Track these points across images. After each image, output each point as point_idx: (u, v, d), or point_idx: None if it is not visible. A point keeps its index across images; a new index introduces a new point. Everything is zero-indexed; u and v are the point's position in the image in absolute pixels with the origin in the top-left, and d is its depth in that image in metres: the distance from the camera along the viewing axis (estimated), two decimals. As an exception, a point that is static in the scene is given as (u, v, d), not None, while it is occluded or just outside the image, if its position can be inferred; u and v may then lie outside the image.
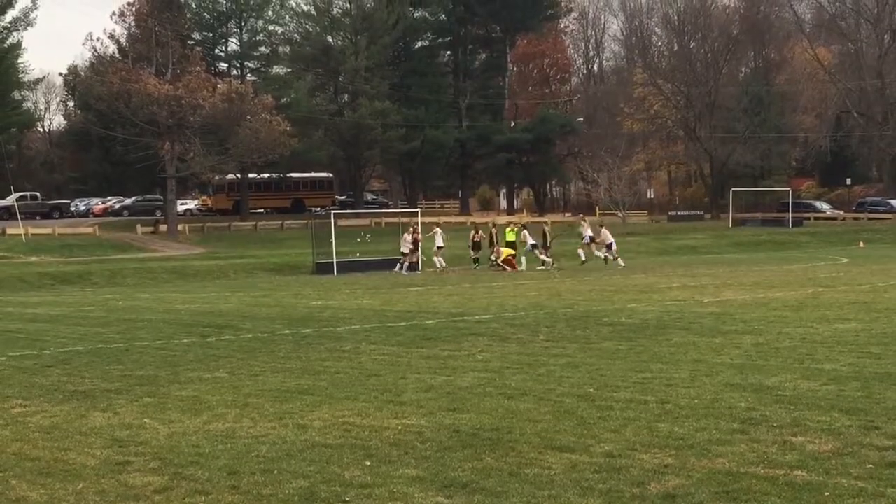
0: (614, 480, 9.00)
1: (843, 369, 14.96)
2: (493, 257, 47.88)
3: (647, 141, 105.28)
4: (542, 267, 45.96)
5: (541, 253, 47.34)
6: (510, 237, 50.43)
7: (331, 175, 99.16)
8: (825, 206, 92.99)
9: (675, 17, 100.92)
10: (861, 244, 63.00)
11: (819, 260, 49.32)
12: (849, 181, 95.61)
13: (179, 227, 75.79)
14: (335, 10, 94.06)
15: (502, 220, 65.18)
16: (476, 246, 49.97)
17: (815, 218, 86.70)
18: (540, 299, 29.09)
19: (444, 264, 48.06)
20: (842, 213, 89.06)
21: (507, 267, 46.27)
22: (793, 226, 79.75)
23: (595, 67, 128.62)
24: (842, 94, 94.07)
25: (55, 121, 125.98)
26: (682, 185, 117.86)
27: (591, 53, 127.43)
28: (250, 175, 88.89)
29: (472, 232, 51.31)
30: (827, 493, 8.47)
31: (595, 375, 14.90)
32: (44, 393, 14.82)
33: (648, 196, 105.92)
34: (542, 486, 8.91)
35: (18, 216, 68.44)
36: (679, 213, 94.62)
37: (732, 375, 14.57)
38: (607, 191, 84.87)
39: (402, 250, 47.77)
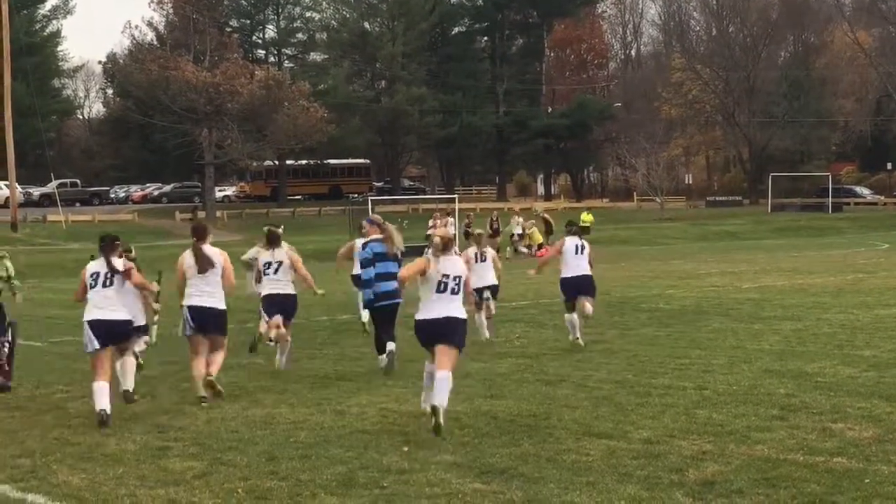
0: (652, 467, 8.99)
1: (883, 356, 14.87)
2: (523, 247, 47.88)
3: (685, 126, 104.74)
4: None
5: None
6: (585, 220, 51.10)
7: (368, 161, 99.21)
8: (865, 191, 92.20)
9: (714, 1, 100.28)
10: (902, 229, 62.53)
11: (859, 245, 48.97)
12: (889, 166, 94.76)
13: (218, 213, 76.03)
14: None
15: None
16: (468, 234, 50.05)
17: (856, 203, 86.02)
18: (577, 285, 29.02)
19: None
20: (882, 198, 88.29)
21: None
22: (832, 211, 79.16)
23: (633, 52, 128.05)
24: (882, 78, 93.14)
25: (94, 108, 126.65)
26: (721, 171, 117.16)
27: (629, 38, 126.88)
28: (288, 162, 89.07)
29: (465, 220, 51.35)
30: (867, 481, 8.42)
31: (633, 361, 14.87)
32: (85, 379, 14.92)
33: (686, 181, 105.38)
34: (580, 472, 8.91)
35: (59, 203, 68.87)
36: (717, 198, 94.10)
37: (771, 362, 14.51)
38: (645, 176, 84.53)
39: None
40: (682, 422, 10.73)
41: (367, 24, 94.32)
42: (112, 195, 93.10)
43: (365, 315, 17.46)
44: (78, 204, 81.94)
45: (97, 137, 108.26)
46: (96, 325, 12.08)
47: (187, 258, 12.95)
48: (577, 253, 17.06)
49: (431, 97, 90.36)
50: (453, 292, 10.93)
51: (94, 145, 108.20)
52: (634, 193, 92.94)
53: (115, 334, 12.10)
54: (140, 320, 13.77)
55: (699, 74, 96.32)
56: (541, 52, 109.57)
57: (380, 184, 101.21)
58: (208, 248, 12.98)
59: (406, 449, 9.91)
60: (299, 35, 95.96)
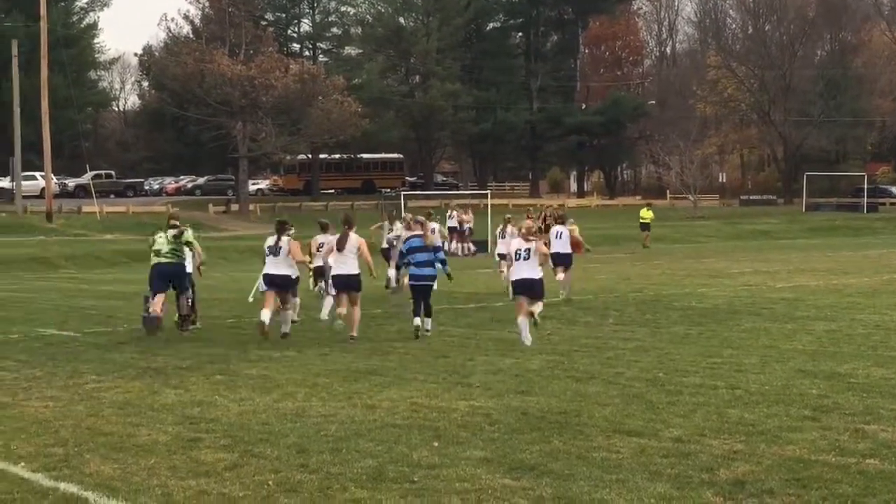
0: (683, 466, 8.96)
1: (917, 357, 14.76)
2: None
3: (719, 124, 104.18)
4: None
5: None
6: (645, 216, 50.99)
7: (401, 156, 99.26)
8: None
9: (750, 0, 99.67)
10: (938, 231, 62.02)
11: (894, 246, 48.61)
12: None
13: (251, 206, 76.34)
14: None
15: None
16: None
17: (891, 203, 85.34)
18: (609, 283, 29.01)
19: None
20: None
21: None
22: (868, 211, 78.60)
23: (668, 50, 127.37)
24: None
25: (130, 100, 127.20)
26: (755, 170, 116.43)
27: (664, 36, 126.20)
28: (321, 156, 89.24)
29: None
30: (900, 483, 8.37)
31: (664, 360, 14.83)
32: (117, 369, 15.04)
33: (720, 180, 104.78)
34: (609, 469, 8.90)
35: (94, 194, 69.33)
36: (751, 197, 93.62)
37: (804, 362, 14.44)
38: (679, 174, 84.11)
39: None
40: (713, 421, 10.70)
41: (402, 20, 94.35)
42: (146, 187, 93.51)
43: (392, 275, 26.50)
44: (112, 195, 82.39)
45: (132, 129, 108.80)
46: (267, 277, 18.26)
47: (332, 239, 18.69)
48: (556, 238, 24.83)
49: (465, 93, 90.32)
50: (525, 259, 16.79)
51: (129, 137, 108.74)
52: (668, 191, 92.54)
53: (278, 283, 18.15)
54: (295, 274, 18.81)
55: (734, 72, 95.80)
56: (575, 49, 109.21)
57: (413, 179, 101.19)
58: (352, 234, 18.31)
59: (436, 444, 9.92)
60: (334, 29, 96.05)
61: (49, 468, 9.38)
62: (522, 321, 16.82)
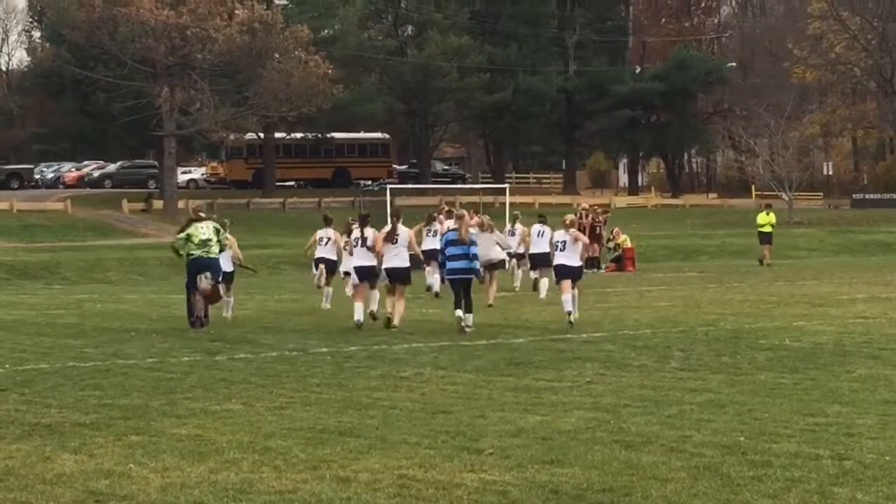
0: (772, 565, 8.97)
1: None
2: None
3: (824, 96, 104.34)
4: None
5: None
6: (764, 222, 50.92)
7: (387, 136, 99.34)
8: None
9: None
10: None
11: None
12: None
13: (180, 203, 76.30)
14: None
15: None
16: None
17: None
18: (672, 312, 29.02)
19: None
20: None
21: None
22: None
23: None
24: None
25: (15, 57, 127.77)
26: (873, 158, 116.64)
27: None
28: (277, 135, 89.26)
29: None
30: None
31: (747, 419, 14.84)
32: (-7, 425, 15.01)
33: (825, 172, 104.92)
34: (671, 569, 8.91)
35: (-36, 186, 69.42)
36: (867, 196, 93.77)
37: (939, 423, 14.45)
38: (768, 164, 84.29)
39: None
40: (813, 503, 10.70)
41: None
42: (37, 176, 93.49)
43: (435, 285, 33.11)
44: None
45: (18, 96, 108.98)
46: (358, 269, 25.79)
47: (384, 231, 25.64)
48: (538, 236, 33.17)
49: (476, 50, 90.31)
50: (561, 250, 26.07)
51: (14, 107, 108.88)
52: (753, 187, 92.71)
53: (367, 274, 25.70)
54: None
55: (845, 25, 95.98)
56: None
57: (403, 167, 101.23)
58: (400, 226, 25.39)
59: (433, 532, 9.93)
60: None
61: None
62: (566, 297, 25.41)
